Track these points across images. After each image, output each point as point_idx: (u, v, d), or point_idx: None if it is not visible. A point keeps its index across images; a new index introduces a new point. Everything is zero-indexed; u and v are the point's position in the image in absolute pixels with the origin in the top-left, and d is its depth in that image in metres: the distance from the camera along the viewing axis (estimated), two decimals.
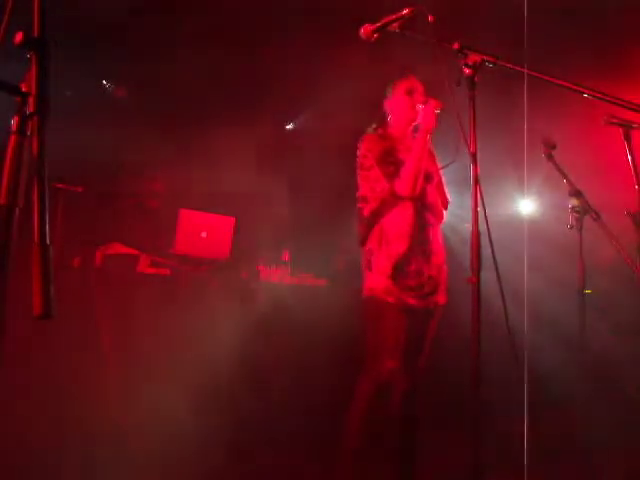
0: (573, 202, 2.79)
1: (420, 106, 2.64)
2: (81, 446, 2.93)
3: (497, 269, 1.90)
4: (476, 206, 1.87)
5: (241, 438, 3.32)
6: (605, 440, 3.28)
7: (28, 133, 0.94)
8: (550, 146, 2.82)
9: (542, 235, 4.43)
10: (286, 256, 4.46)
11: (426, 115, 2.59)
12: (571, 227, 2.85)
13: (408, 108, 2.72)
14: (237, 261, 4.25)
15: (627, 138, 2.47)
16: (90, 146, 4.42)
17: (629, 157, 2.49)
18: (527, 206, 5.31)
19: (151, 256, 3.91)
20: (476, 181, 1.89)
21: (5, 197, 0.91)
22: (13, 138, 0.94)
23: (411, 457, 2.74)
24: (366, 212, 2.72)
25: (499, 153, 4.02)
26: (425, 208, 2.72)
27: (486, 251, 1.88)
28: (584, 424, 3.29)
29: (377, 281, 2.66)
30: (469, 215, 1.89)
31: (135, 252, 3.86)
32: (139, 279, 3.73)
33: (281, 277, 4.30)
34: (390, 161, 2.67)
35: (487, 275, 1.87)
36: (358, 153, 2.75)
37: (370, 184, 2.70)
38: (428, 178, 2.76)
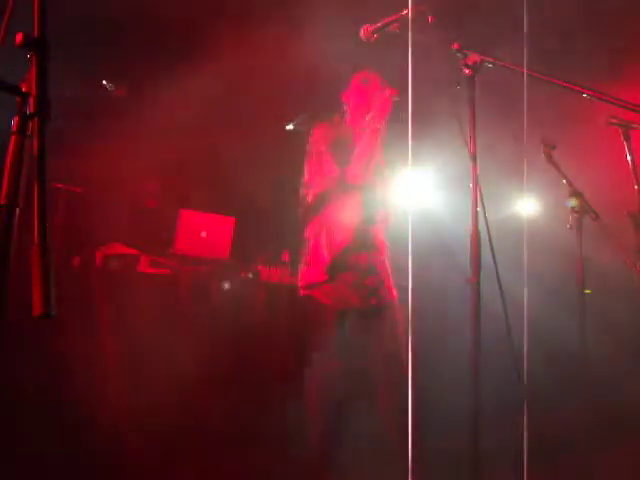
0: (573, 202, 2.79)
1: (375, 96, 2.65)
2: (81, 446, 2.93)
3: (497, 269, 1.90)
4: (475, 206, 1.88)
5: (241, 437, 3.32)
6: (605, 440, 3.28)
7: (28, 133, 0.94)
8: (550, 146, 2.82)
9: (542, 235, 4.43)
10: (286, 256, 4.45)
11: (381, 102, 2.59)
12: (571, 227, 2.85)
13: (363, 98, 2.73)
14: (237, 261, 4.25)
15: (627, 138, 2.47)
16: (90, 146, 4.42)
17: (629, 157, 2.49)
18: (527, 206, 5.30)
19: (151, 256, 3.90)
20: (476, 181, 1.89)
21: (5, 197, 0.91)
22: (13, 138, 0.94)
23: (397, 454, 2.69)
24: (310, 198, 2.65)
25: (498, 153, 4.02)
26: (374, 201, 2.68)
27: (485, 251, 1.88)
28: (584, 424, 3.29)
29: (314, 275, 2.59)
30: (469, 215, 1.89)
31: (135, 252, 3.86)
32: (139, 279, 3.73)
33: (281, 277, 4.30)
34: (343, 147, 2.63)
35: (486, 275, 1.87)
36: (310, 139, 2.72)
37: (320, 169, 2.64)
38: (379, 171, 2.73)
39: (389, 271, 2.71)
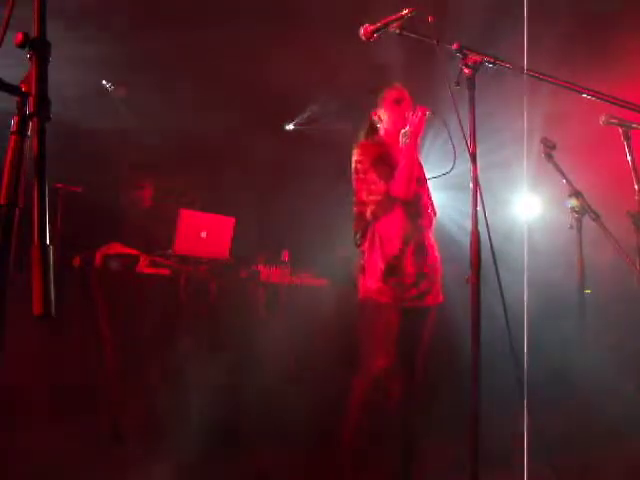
0: (573, 202, 2.79)
1: (408, 114, 2.76)
2: (81, 446, 2.93)
3: (497, 269, 1.90)
4: (476, 206, 1.88)
5: (239, 437, 3.32)
6: (605, 439, 3.28)
7: (28, 133, 0.94)
8: (550, 146, 2.82)
9: (542, 235, 4.43)
10: (286, 256, 4.45)
11: (415, 121, 2.70)
12: (571, 227, 2.85)
13: (398, 117, 2.82)
14: (237, 261, 4.25)
15: (627, 138, 2.47)
16: (90, 146, 4.42)
17: (629, 157, 2.49)
18: (527, 206, 5.30)
19: (151, 256, 3.90)
20: (476, 181, 1.89)
21: (5, 197, 0.91)
22: (13, 138, 0.94)
23: (411, 456, 2.78)
24: (368, 215, 2.78)
25: (498, 153, 4.02)
26: (418, 211, 2.81)
27: (486, 251, 1.88)
28: (584, 423, 3.29)
29: (370, 283, 2.74)
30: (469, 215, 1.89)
31: (135, 252, 3.86)
32: (139, 279, 3.73)
33: (281, 277, 4.30)
34: (385, 163, 2.76)
35: (486, 275, 1.87)
36: (354, 159, 2.83)
37: (367, 187, 2.76)
38: (420, 182, 2.86)
39: (440, 274, 2.85)
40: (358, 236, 2.84)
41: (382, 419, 2.81)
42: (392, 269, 2.70)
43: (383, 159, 2.77)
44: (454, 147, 2.64)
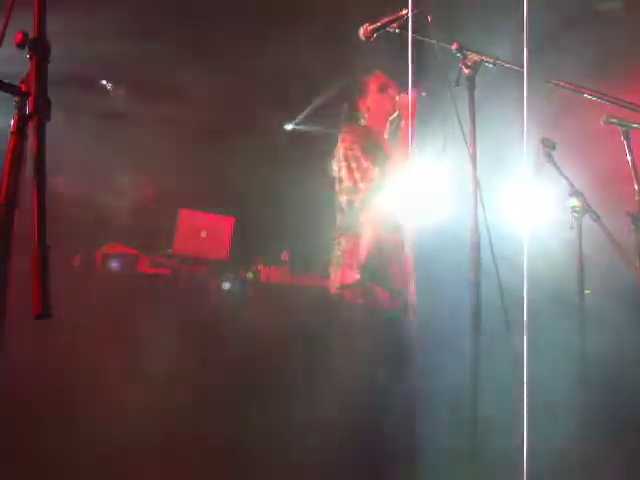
0: (573, 202, 2.79)
1: (397, 97, 2.72)
2: (81, 447, 2.93)
3: (497, 269, 1.90)
4: (476, 206, 1.87)
5: (239, 438, 3.32)
6: (606, 439, 3.28)
7: (28, 133, 0.94)
8: (550, 146, 2.82)
9: (541, 235, 4.42)
10: (286, 256, 4.45)
11: (407, 104, 2.67)
12: (571, 227, 2.85)
13: (384, 104, 2.78)
14: (237, 261, 4.25)
15: (626, 138, 2.47)
16: (90, 145, 4.42)
17: (628, 157, 2.49)
18: (526, 207, 5.29)
19: (151, 256, 3.90)
20: (476, 181, 1.89)
21: (5, 197, 0.91)
22: (13, 138, 0.94)
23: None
24: (357, 203, 2.71)
25: (498, 153, 4.01)
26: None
27: (486, 251, 1.88)
28: (584, 424, 3.29)
29: (349, 277, 2.67)
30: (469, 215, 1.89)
31: (135, 252, 3.86)
32: (139, 279, 3.73)
33: (281, 277, 4.30)
34: (377, 149, 2.71)
35: (486, 275, 1.87)
36: (342, 145, 2.75)
37: (362, 174, 2.68)
38: None
39: (412, 274, 2.80)
40: (345, 226, 2.75)
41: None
42: (373, 264, 2.64)
43: (375, 145, 2.72)
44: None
